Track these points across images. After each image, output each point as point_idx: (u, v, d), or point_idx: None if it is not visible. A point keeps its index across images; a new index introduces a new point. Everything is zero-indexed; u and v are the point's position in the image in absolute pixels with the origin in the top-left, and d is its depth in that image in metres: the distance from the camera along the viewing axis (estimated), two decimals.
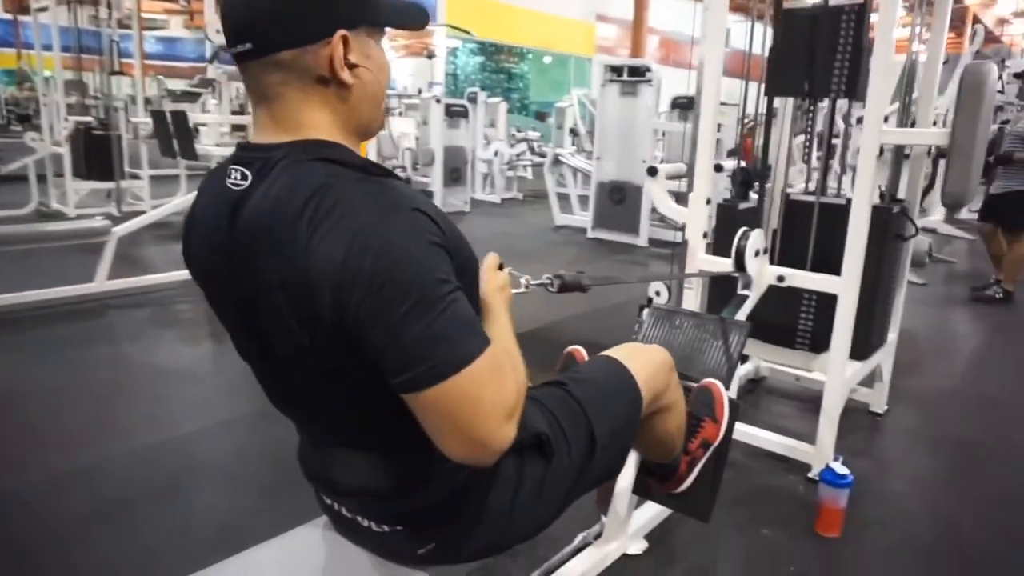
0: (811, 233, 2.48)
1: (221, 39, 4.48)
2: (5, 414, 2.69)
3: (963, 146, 1.97)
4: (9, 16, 13.52)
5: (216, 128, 5.12)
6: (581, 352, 1.56)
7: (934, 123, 2.66)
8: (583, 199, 7.85)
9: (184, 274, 4.52)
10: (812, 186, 2.65)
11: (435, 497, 0.95)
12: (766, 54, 2.55)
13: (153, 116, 4.95)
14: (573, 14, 17.10)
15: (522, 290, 1.17)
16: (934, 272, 5.49)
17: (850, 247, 2.17)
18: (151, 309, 4.12)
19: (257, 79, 0.85)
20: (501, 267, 1.03)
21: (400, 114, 10.72)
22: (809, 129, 2.61)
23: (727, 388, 1.65)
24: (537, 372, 1.02)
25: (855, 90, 2.30)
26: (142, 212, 5.54)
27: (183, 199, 4.94)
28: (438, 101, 8.25)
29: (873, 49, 2.11)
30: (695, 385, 1.63)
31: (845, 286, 2.19)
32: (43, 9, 6.71)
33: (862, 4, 2.27)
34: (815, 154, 2.70)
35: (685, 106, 7.34)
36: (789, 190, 2.70)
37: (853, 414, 2.83)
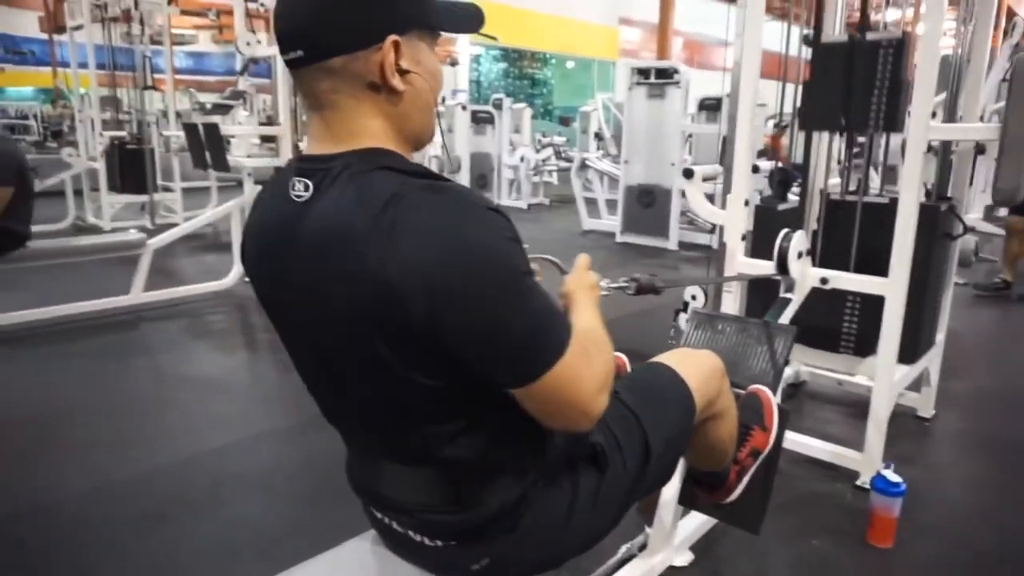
0: (854, 233, 2.41)
1: (251, 51, 4.57)
2: (44, 427, 2.72)
3: (1016, 141, 1.90)
4: (44, 36, 13.87)
5: (247, 140, 5.18)
6: (622, 359, 1.53)
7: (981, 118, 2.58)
8: (610, 203, 7.80)
9: (217, 285, 4.61)
10: (850, 186, 2.59)
11: (490, 511, 0.93)
12: (799, 54, 2.49)
13: (185, 129, 5.01)
14: (596, 19, 17.06)
15: (603, 293, 1.19)
16: (977, 271, 5.35)
17: (897, 247, 2.10)
18: (185, 320, 4.16)
19: (309, 86, 0.85)
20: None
21: None
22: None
23: (775, 394, 1.60)
24: None
25: (894, 125, 2.26)
26: (175, 224, 5.63)
27: (215, 211, 5.00)
28: (464, 108, 8.27)
29: (916, 59, 2.05)
30: (742, 392, 1.59)
31: (892, 287, 2.13)
32: (79, 28, 6.87)
33: (900, 39, 2.22)
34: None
35: (713, 107, 7.27)
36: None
37: (900, 419, 2.75)
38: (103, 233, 6.23)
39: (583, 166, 7.78)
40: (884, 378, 2.23)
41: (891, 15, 2.62)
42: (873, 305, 2.24)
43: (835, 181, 2.71)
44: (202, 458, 2.47)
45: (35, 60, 14.62)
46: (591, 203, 7.90)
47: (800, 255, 2.16)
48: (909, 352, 2.40)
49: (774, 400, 1.56)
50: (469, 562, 0.98)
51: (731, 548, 1.98)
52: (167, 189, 7.34)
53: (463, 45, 15.26)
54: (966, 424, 2.88)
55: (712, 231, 6.56)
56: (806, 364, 2.95)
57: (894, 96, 2.23)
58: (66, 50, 7.72)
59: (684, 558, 1.88)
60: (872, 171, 3.37)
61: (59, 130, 11.95)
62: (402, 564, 1.04)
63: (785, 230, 2.14)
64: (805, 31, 2.77)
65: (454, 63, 13.94)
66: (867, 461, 2.28)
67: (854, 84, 2.27)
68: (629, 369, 1.52)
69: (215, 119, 4.92)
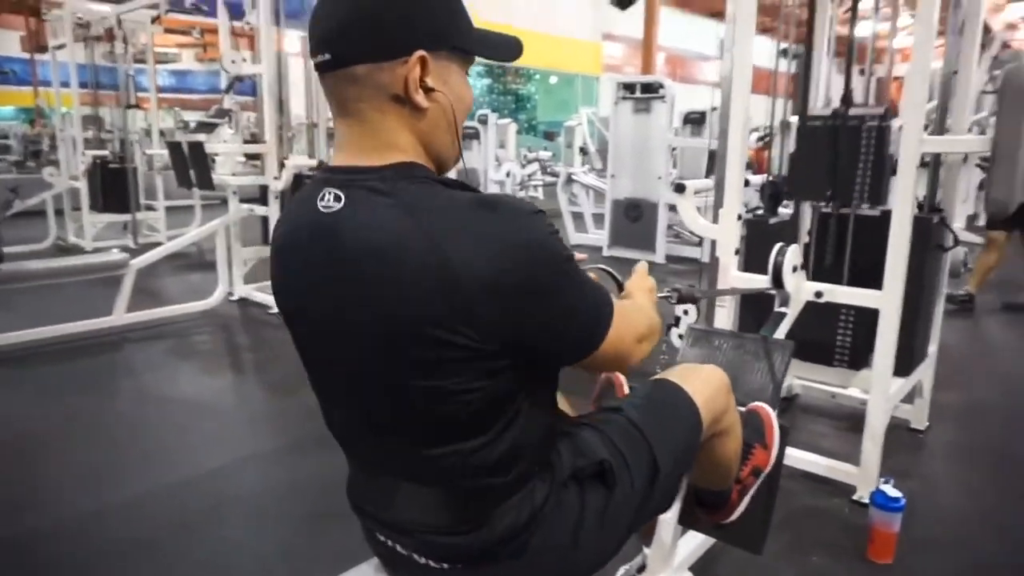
0: (846, 246, 2.41)
1: (236, 69, 4.54)
2: (27, 452, 2.65)
3: (1008, 151, 1.91)
4: (26, 56, 13.77)
5: (232, 158, 5.14)
6: (619, 376, 1.51)
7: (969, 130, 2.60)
8: (597, 217, 7.80)
9: (202, 304, 4.55)
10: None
11: (498, 533, 0.91)
12: (785, 69, 2.55)
13: (170, 147, 4.96)
14: (579, 34, 17.19)
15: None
16: (963, 282, 5.39)
17: (891, 259, 2.10)
18: (170, 341, 4.09)
19: (335, 92, 0.86)
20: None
21: None
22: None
23: (774, 411, 1.58)
24: (577, 399, 1.05)
25: (879, 197, 2.32)
26: (158, 243, 5.56)
27: (199, 230, 4.94)
28: None
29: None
30: (742, 409, 1.56)
31: (887, 300, 2.12)
32: (61, 47, 6.81)
33: (883, 115, 2.28)
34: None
35: (698, 121, 7.31)
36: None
37: (894, 431, 2.72)
38: (85, 253, 6.15)
39: (569, 181, 7.79)
40: (880, 391, 2.22)
41: (867, 29, 2.63)
42: (866, 318, 2.24)
43: None
44: (191, 482, 2.41)
45: (16, 80, 14.54)
46: (577, 217, 7.90)
47: (795, 269, 2.15)
48: (904, 364, 2.39)
49: (774, 417, 1.54)
50: None
51: (731, 567, 1.95)
52: (150, 208, 7.27)
53: None
54: (960, 436, 2.88)
55: (699, 244, 6.59)
56: (799, 377, 2.94)
57: (878, 170, 2.30)
58: (47, 69, 7.66)
59: None
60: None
61: (39, 150, 11.85)
62: None
63: (779, 244, 2.14)
64: (784, 45, 2.82)
65: None
66: (864, 475, 2.26)
67: (839, 158, 2.35)
68: (627, 388, 1.50)
69: (200, 137, 4.87)
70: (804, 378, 2.86)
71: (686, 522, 1.67)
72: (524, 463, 0.92)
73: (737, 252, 2.37)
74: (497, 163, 9.85)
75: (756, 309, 2.50)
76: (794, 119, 2.81)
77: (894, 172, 2.19)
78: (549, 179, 9.93)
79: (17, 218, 6.63)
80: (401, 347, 0.82)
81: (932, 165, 2.59)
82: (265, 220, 4.78)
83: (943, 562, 2.01)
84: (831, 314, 2.50)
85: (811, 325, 2.39)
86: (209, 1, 4.90)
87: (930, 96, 2.61)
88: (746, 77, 2.27)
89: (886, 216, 2.14)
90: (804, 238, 2.60)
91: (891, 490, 1.95)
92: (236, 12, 4.73)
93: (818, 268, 2.51)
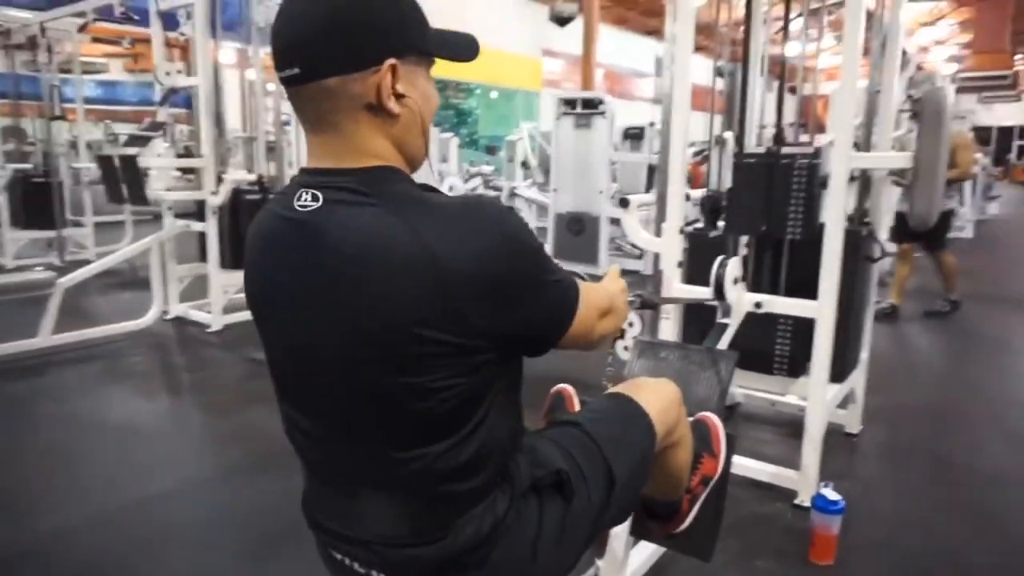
0: (783, 259, 2.50)
1: (170, 81, 4.41)
2: None
3: (928, 168, 2.02)
4: None
5: (166, 172, 4.97)
6: (568, 390, 1.52)
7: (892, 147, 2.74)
8: (540, 231, 7.86)
9: (134, 324, 4.35)
10: None
11: (461, 543, 0.90)
12: (718, 87, 2.61)
13: (100, 161, 4.77)
14: (520, 50, 17.36)
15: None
16: (883, 291, 5.64)
17: (825, 271, 2.19)
18: (101, 363, 3.92)
19: (306, 105, 0.85)
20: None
21: None
22: None
23: (720, 420, 1.62)
24: (527, 411, 1.02)
25: (810, 232, 2.42)
26: (86, 261, 5.33)
27: (132, 246, 4.74)
28: None
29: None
30: (690, 419, 1.59)
31: (822, 310, 2.21)
32: None
33: (813, 155, 2.40)
34: None
35: (637, 136, 7.47)
36: None
37: (830, 436, 2.82)
38: (6, 272, 5.85)
39: (512, 195, 7.83)
40: (818, 397, 2.31)
41: (794, 49, 2.76)
42: (804, 328, 2.32)
43: None
44: (128, 510, 2.31)
45: None
46: None
47: (736, 281, 2.21)
48: (838, 371, 2.49)
49: (721, 426, 1.58)
50: None
51: (680, 575, 1.98)
52: (77, 224, 6.96)
53: None
54: (891, 437, 3.01)
55: (640, 257, 6.71)
56: (740, 386, 3.02)
57: (809, 208, 2.41)
58: None
59: None
60: None
61: None
62: None
63: (720, 257, 2.20)
64: (719, 63, 2.93)
65: None
66: (804, 480, 2.34)
67: (773, 195, 2.46)
68: (577, 402, 1.51)
69: (132, 151, 4.70)
70: (746, 387, 2.94)
71: (638, 533, 1.70)
72: (490, 468, 0.92)
73: (680, 264, 2.43)
74: (440, 177, 9.83)
75: (699, 320, 2.56)
76: (729, 134, 2.92)
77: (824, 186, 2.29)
78: (492, 193, 9.97)
79: None
80: (385, 342, 0.81)
81: (861, 180, 2.71)
82: (202, 236, 4.64)
83: (879, 561, 2.09)
84: (770, 324, 2.59)
85: (752, 335, 2.47)
86: (141, 11, 4.73)
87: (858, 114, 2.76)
88: (686, 94, 2.34)
89: (820, 228, 2.23)
90: (743, 251, 2.69)
91: (831, 493, 2.02)
92: (169, 22, 4.61)
93: (757, 280, 2.59)
